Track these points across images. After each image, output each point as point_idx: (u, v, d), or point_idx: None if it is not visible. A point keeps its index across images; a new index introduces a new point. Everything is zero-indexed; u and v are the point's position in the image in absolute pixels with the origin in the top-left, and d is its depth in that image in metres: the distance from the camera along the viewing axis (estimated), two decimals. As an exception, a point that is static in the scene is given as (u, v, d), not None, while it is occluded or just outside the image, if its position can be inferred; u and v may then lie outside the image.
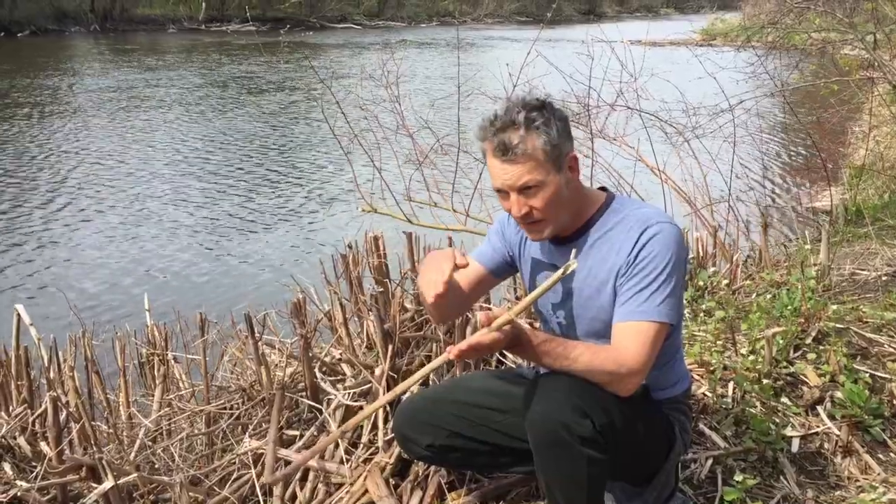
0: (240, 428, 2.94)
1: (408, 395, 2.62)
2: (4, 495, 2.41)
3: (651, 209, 2.10)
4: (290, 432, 2.82)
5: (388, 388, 2.79)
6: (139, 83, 21.92)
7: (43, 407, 2.61)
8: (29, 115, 16.90)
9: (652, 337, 1.94)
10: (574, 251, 1.93)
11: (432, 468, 2.49)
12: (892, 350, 3.30)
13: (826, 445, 2.74)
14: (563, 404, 1.83)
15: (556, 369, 1.94)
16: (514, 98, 2.05)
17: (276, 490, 2.62)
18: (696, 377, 3.07)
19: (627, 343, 1.94)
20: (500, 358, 3.03)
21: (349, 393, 2.83)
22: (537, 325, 2.51)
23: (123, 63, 27.22)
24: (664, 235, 1.98)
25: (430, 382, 2.84)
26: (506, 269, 2.32)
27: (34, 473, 2.47)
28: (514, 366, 2.90)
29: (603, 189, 2.20)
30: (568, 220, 2.07)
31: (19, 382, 2.92)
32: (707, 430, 2.74)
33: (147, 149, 14.03)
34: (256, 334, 2.99)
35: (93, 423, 2.82)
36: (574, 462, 1.84)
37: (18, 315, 3.10)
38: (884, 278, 4.36)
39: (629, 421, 1.96)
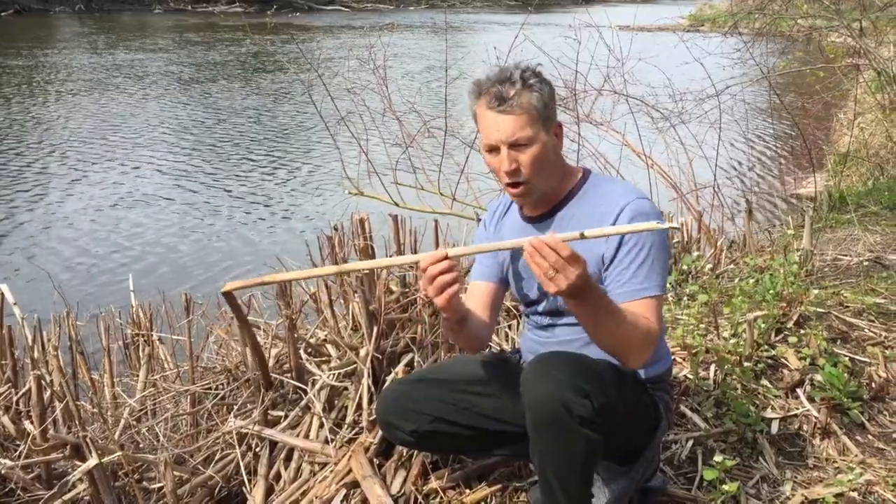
0: (225, 408, 2.95)
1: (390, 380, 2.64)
2: (-12, 473, 2.42)
3: (623, 186, 2.16)
4: (275, 413, 2.83)
5: (373, 370, 2.80)
6: (124, 64, 21.71)
7: (27, 386, 2.62)
8: (11, 94, 16.71)
9: (657, 311, 2.01)
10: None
11: (416, 448, 2.51)
12: (871, 334, 3.35)
13: (805, 427, 2.78)
14: (566, 384, 1.82)
15: (602, 324, 1.91)
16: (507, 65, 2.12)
17: (261, 469, 2.64)
18: (679, 360, 3.10)
19: None
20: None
21: (334, 374, 2.84)
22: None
23: (108, 43, 26.93)
24: (643, 212, 2.02)
25: (415, 367, 2.85)
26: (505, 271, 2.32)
27: (18, 452, 2.47)
28: (497, 350, 2.92)
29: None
30: (550, 187, 2.12)
31: (3, 361, 2.91)
32: (688, 412, 2.78)
33: (131, 129, 13.92)
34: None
35: (77, 402, 2.81)
36: (572, 443, 1.83)
37: (2, 294, 3.08)
38: (865, 264, 4.41)
39: (623, 401, 1.98)
